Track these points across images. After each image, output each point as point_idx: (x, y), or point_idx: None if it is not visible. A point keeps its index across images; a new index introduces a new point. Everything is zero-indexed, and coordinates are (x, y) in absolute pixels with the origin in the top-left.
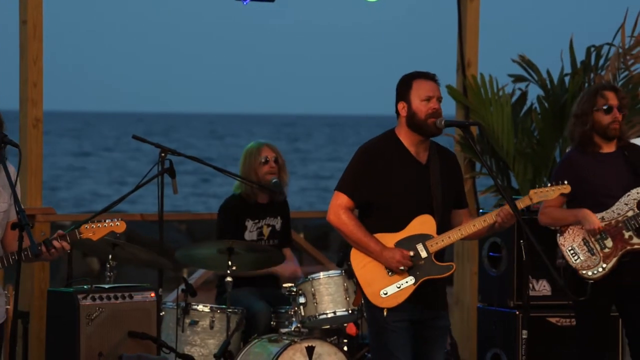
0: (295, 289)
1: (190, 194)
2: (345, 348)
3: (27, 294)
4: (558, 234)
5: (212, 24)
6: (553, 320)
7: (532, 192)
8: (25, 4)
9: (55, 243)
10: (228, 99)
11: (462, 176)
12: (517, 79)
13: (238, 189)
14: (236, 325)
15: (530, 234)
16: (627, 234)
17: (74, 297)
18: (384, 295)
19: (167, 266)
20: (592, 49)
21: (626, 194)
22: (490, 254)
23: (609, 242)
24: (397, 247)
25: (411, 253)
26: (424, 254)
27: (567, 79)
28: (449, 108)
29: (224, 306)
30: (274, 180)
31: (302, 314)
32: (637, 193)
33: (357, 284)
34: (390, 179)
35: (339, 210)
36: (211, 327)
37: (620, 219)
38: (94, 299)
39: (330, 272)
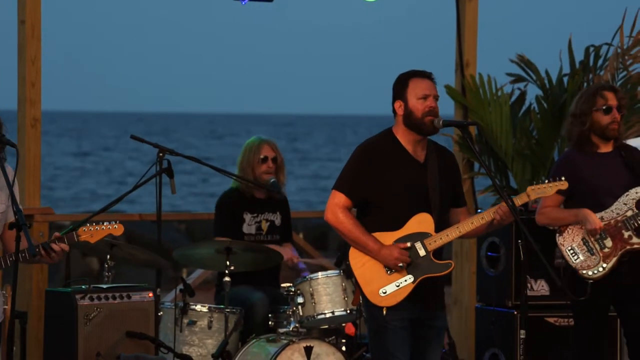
0: (293, 289)
1: (189, 193)
2: (344, 348)
3: (26, 294)
4: (557, 234)
5: (212, 23)
6: (551, 320)
7: (529, 189)
8: (24, 3)
9: (54, 246)
10: (228, 98)
11: (460, 175)
12: (516, 79)
13: (235, 182)
14: (234, 325)
15: (528, 233)
16: (626, 234)
17: (72, 297)
18: (383, 294)
19: (165, 266)
20: (591, 49)
21: (625, 194)
22: (489, 253)
23: (608, 242)
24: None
25: (407, 244)
26: (422, 252)
27: (565, 79)
28: (448, 108)
29: (222, 306)
30: (271, 180)
31: (301, 313)
32: (636, 193)
33: (356, 283)
34: (389, 178)
35: (337, 210)
36: (209, 327)
37: (619, 218)
38: (92, 299)
39: (329, 272)
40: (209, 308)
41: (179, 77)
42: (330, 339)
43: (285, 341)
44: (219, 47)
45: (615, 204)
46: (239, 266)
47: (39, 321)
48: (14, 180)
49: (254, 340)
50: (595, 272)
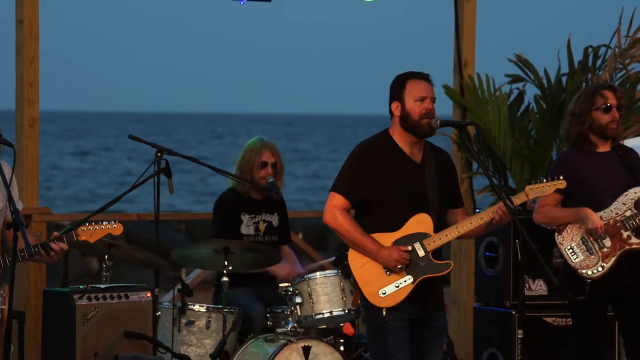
0: (291, 289)
1: (187, 193)
2: (342, 348)
3: (23, 293)
4: (556, 233)
5: (211, 23)
6: (549, 320)
7: (528, 188)
8: (22, 3)
9: (53, 245)
10: (227, 98)
11: (457, 175)
12: (514, 79)
13: (233, 183)
14: (232, 325)
15: (526, 234)
16: (625, 234)
17: (70, 297)
18: (382, 295)
19: (163, 266)
20: (590, 49)
21: (624, 194)
22: (487, 253)
23: (607, 242)
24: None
25: (409, 248)
26: (421, 253)
27: (564, 78)
28: (446, 108)
29: (220, 306)
30: (269, 180)
31: (299, 313)
32: (635, 192)
33: (355, 284)
34: (386, 179)
35: (335, 211)
36: (207, 327)
37: (618, 218)
38: (89, 298)
39: (327, 271)
40: (207, 308)
41: (179, 77)
42: (328, 338)
43: (283, 341)
44: (218, 47)
45: (614, 203)
46: (237, 266)
47: (37, 321)
48: (11, 180)
49: (252, 340)
50: (594, 271)
